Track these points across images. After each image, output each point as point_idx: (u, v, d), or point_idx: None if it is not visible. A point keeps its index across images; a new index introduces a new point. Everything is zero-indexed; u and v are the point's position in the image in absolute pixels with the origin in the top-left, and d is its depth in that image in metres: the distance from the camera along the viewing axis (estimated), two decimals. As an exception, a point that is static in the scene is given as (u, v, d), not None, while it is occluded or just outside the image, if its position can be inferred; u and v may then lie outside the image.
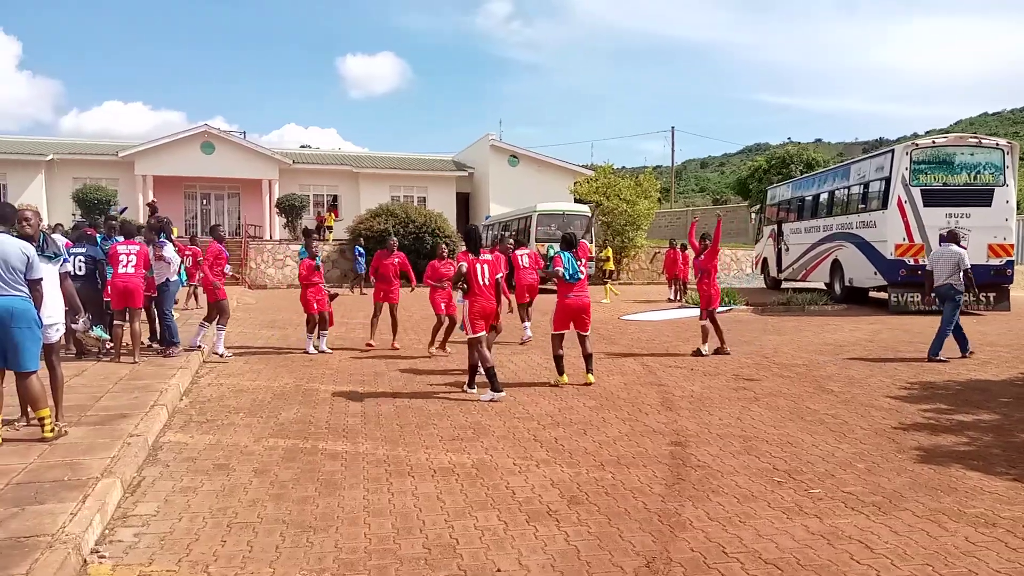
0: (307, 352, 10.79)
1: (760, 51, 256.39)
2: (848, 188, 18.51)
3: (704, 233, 11.41)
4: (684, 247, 22.01)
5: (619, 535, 4.18)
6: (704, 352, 10.55)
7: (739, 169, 57.10)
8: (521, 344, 11.53)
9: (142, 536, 4.14)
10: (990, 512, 4.50)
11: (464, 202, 38.58)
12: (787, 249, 22.08)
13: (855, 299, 18.17)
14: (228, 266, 10.65)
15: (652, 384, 8.56)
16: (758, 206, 27.18)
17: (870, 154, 18.61)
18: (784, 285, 22.33)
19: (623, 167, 54.01)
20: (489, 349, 8.04)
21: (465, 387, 8.09)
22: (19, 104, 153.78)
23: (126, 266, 9.29)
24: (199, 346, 10.26)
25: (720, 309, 17.13)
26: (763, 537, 4.14)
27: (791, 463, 5.52)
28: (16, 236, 5.70)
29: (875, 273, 16.63)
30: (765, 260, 24.29)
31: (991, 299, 15.84)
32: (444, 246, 11.58)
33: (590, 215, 25.71)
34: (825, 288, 19.51)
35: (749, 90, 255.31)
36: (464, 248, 8.25)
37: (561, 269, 8.37)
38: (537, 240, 23.49)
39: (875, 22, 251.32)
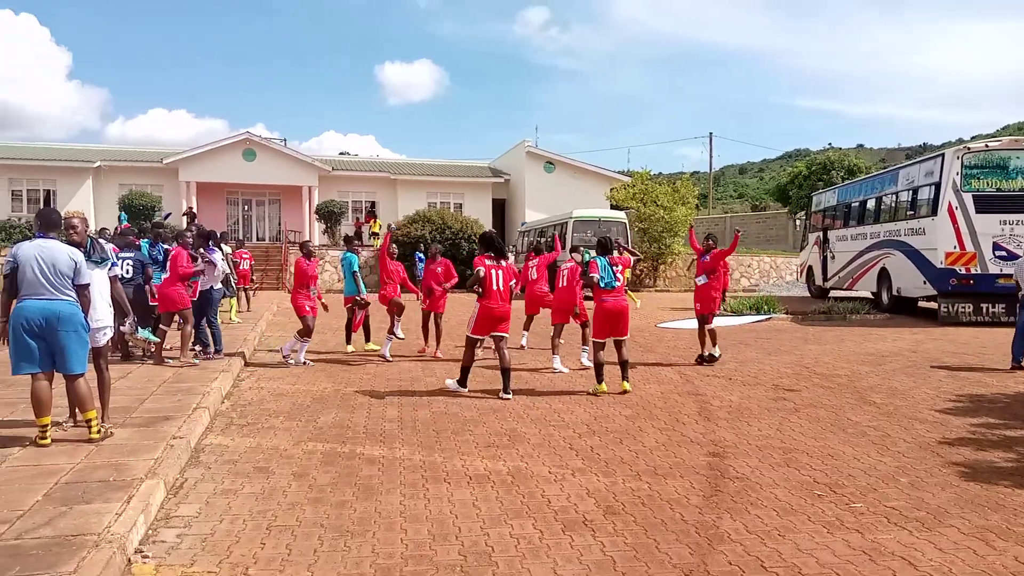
0: (386, 358, 10.82)
1: (800, 56, 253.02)
2: (896, 194, 17.97)
3: (709, 233, 11.27)
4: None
5: (656, 547, 4.15)
6: (716, 355, 10.46)
7: (779, 175, 56.38)
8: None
9: (184, 537, 4.22)
10: (1040, 530, 4.37)
11: (500, 208, 38.70)
12: (833, 257, 21.48)
13: (904, 309, 17.68)
14: (314, 288, 10.53)
15: (689, 394, 8.48)
16: (803, 213, 26.57)
17: (919, 159, 18.07)
18: (833, 294, 21.63)
19: (660, 173, 53.51)
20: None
21: (501, 393, 8.12)
22: (69, 112, 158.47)
23: (164, 271, 9.65)
24: (304, 362, 10.25)
25: (759, 317, 17.07)
26: (803, 551, 4.08)
27: (832, 476, 5.43)
28: (64, 242, 5.87)
29: (924, 282, 16.11)
30: (810, 268, 23.58)
31: None
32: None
33: (626, 222, 25.58)
34: (872, 297, 19.06)
35: (789, 95, 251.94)
36: (480, 252, 8.55)
37: (596, 276, 8.33)
38: (573, 246, 23.44)
39: (919, 26, 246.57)
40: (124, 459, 5.25)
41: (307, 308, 10.26)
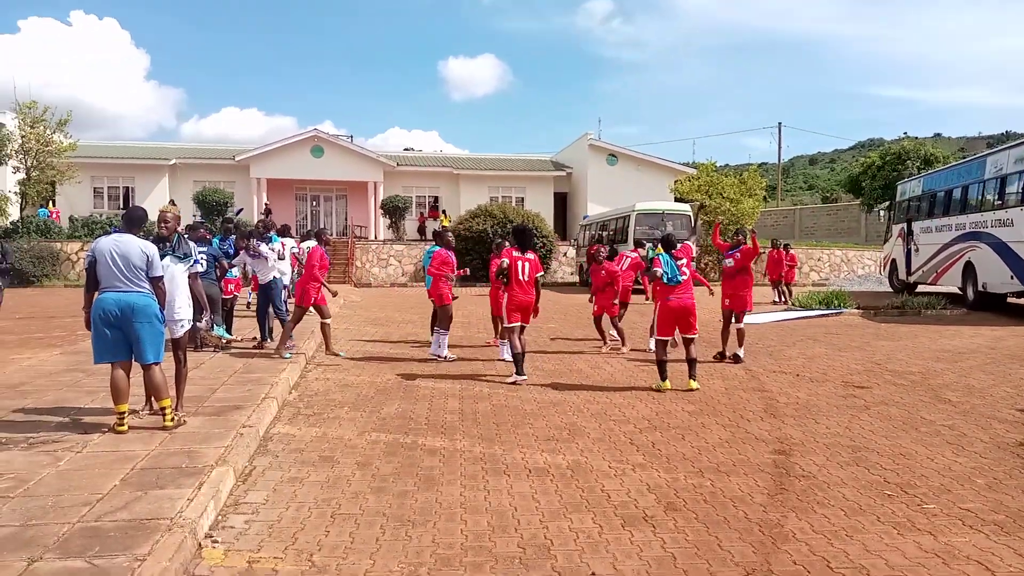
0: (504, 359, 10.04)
1: (875, 43, 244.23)
2: (983, 183, 16.83)
3: (738, 228, 10.83)
4: (787, 247, 21.20)
5: (718, 544, 4.08)
6: (741, 356, 10.09)
7: (851, 166, 54.60)
8: (617, 349, 11.29)
9: (252, 523, 4.35)
10: None
11: (562, 202, 38.59)
12: (917, 250, 20.33)
13: (991, 306, 16.62)
14: (453, 275, 10.49)
15: (755, 390, 8.31)
16: (888, 203, 25.23)
17: (1009, 144, 16.82)
18: (920, 289, 20.51)
19: (727, 165, 52.51)
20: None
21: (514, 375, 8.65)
22: (146, 111, 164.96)
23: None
24: (444, 356, 10.20)
25: (828, 312, 16.60)
26: (871, 553, 3.96)
27: (903, 476, 5.25)
28: (145, 237, 6.10)
29: (1011, 277, 15.06)
30: (894, 262, 22.37)
31: None
32: (604, 248, 11.72)
33: (691, 214, 25.16)
34: (960, 293, 17.96)
35: (862, 83, 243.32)
36: (508, 244, 9.09)
37: (660, 271, 8.23)
38: (635, 241, 23.19)
39: (1002, 8, 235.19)
40: (196, 447, 5.44)
41: (450, 296, 10.38)
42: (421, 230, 35.17)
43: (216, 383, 7.86)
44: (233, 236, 12.06)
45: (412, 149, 46.07)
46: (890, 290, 23.13)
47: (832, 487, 5.02)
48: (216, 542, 4.07)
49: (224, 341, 9.95)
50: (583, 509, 4.60)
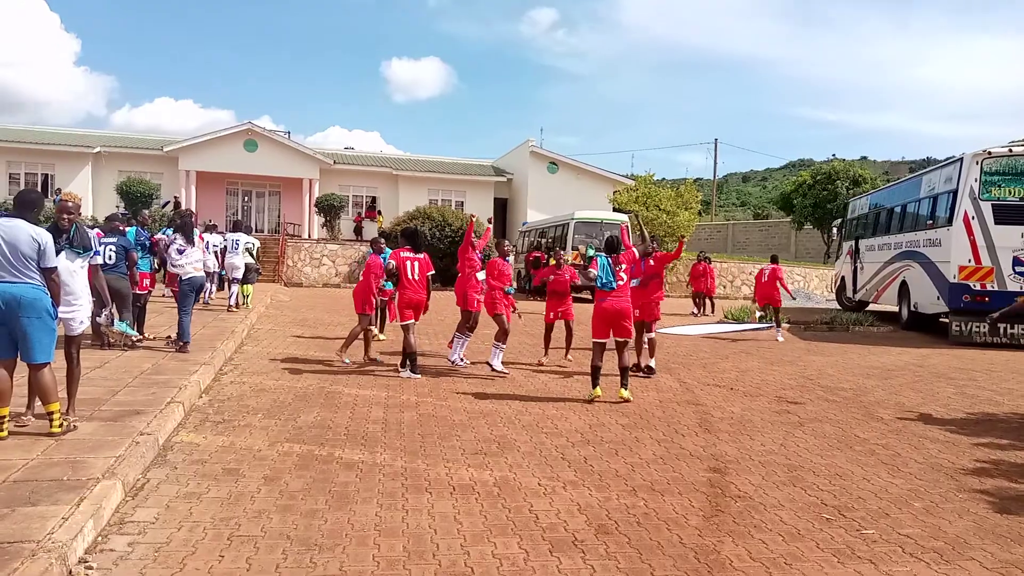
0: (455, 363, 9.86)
1: (808, 66, 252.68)
2: (918, 202, 16.78)
3: (652, 235, 10.73)
4: (709, 260, 21.44)
5: (651, 572, 3.79)
6: (652, 366, 9.82)
7: (782, 184, 55.95)
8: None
9: (136, 545, 3.86)
10: (1069, 567, 4.01)
11: (502, 208, 38.30)
12: (862, 268, 20.13)
13: (924, 327, 16.48)
14: (511, 287, 9.97)
15: (689, 403, 8.12)
16: (839, 220, 25.17)
17: (940, 164, 16.77)
18: (870, 308, 20.15)
19: (664, 178, 53.10)
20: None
21: (398, 367, 9.08)
22: (75, 98, 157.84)
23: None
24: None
25: (760, 326, 16.69)
26: (812, 584, 3.73)
27: (840, 498, 5.07)
28: (47, 226, 5.53)
29: (938, 298, 14.97)
30: (843, 279, 22.00)
31: None
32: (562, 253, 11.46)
33: (628, 224, 25.18)
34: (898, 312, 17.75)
35: (794, 105, 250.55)
36: (399, 245, 9.23)
37: (594, 272, 8.02)
38: (574, 248, 23.07)
39: (925, 38, 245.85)
40: (83, 456, 4.89)
41: (501, 307, 9.76)
42: (357, 230, 34.40)
43: (118, 385, 7.24)
44: (147, 229, 11.40)
45: (352, 148, 45.13)
46: (818, 306, 23.46)
47: (769, 509, 4.80)
48: (91, 568, 3.58)
49: (132, 339, 9.26)
50: (509, 532, 4.26)
